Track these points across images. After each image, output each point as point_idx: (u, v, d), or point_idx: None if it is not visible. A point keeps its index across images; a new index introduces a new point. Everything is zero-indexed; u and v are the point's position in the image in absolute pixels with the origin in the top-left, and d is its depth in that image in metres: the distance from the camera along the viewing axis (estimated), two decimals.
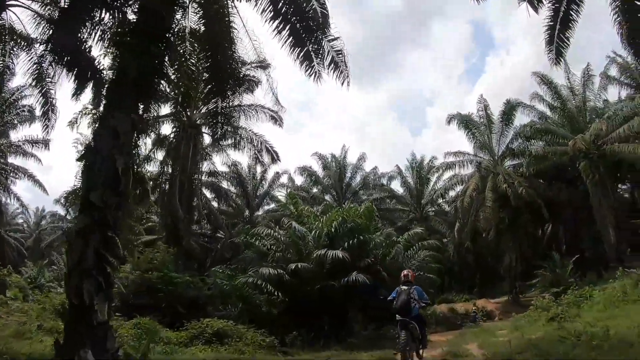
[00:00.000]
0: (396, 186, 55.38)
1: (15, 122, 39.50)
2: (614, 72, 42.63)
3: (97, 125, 12.24)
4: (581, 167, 36.71)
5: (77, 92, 15.23)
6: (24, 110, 37.69)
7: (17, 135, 40.96)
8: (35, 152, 41.26)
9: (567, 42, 19.41)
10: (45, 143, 39.74)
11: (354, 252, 23.42)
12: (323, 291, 22.45)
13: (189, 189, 36.10)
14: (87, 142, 14.01)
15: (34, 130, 47.85)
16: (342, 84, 13.94)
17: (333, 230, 24.74)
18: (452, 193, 49.82)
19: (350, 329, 22.31)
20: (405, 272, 13.77)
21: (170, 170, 37.29)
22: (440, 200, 53.02)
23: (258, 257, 26.72)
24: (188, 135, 36.48)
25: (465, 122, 43.62)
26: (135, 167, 13.75)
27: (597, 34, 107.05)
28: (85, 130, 27.37)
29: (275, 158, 37.31)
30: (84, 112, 15.53)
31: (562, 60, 20.61)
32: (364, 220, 25.66)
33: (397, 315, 12.51)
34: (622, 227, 36.64)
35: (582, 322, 14.57)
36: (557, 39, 19.26)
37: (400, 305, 12.49)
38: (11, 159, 43.04)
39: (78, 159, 13.55)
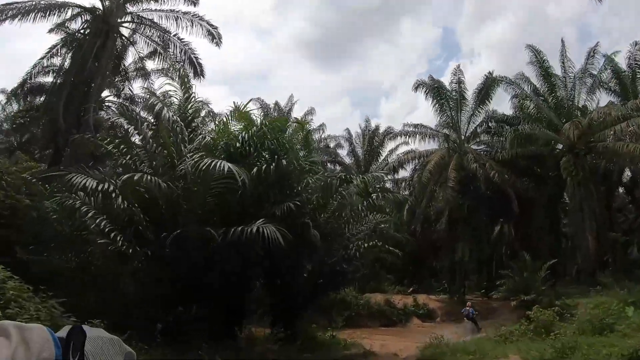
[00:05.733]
0: (344, 154, 43.99)
1: None
2: (606, 76, 32.78)
3: None
4: (563, 162, 27.89)
5: None
6: None
7: None
8: None
9: None
10: None
11: (268, 186, 12.19)
12: (195, 246, 10.92)
13: (82, 96, 24.05)
14: None
15: None
16: None
17: (239, 143, 12.89)
18: (403, 173, 39.33)
19: (233, 327, 10.87)
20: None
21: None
22: (387, 178, 42.09)
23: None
24: (99, 31, 24.85)
25: (437, 91, 33.20)
26: None
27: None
28: None
29: (198, 72, 25.65)
30: None
31: None
32: (294, 143, 13.97)
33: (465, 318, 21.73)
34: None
35: None
36: None
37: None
38: None
39: None
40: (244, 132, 12.92)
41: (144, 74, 30.07)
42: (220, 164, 10.27)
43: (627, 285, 22.25)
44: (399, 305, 26.97)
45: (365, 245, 14.04)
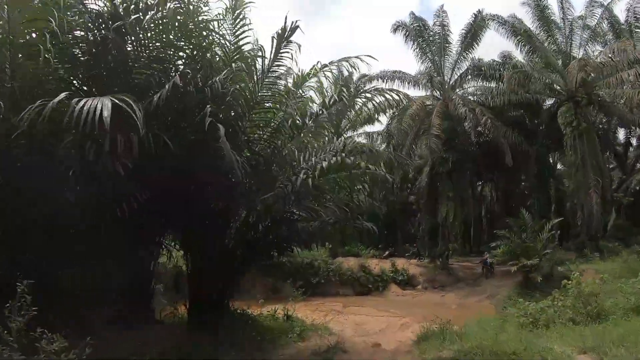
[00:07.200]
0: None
1: None
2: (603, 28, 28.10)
3: None
4: (562, 111, 23.68)
5: None
6: None
7: None
8: None
9: None
10: None
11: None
12: None
13: None
14: None
15: None
16: None
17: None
18: (375, 128, 34.51)
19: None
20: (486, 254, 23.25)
21: None
22: (359, 130, 36.91)
23: None
24: None
25: (418, 31, 28.54)
26: None
27: None
28: None
29: None
30: None
31: None
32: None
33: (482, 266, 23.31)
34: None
35: None
36: None
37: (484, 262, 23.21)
38: None
39: None
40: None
41: None
42: None
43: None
44: (375, 270, 22.64)
45: (324, 164, 7.21)
